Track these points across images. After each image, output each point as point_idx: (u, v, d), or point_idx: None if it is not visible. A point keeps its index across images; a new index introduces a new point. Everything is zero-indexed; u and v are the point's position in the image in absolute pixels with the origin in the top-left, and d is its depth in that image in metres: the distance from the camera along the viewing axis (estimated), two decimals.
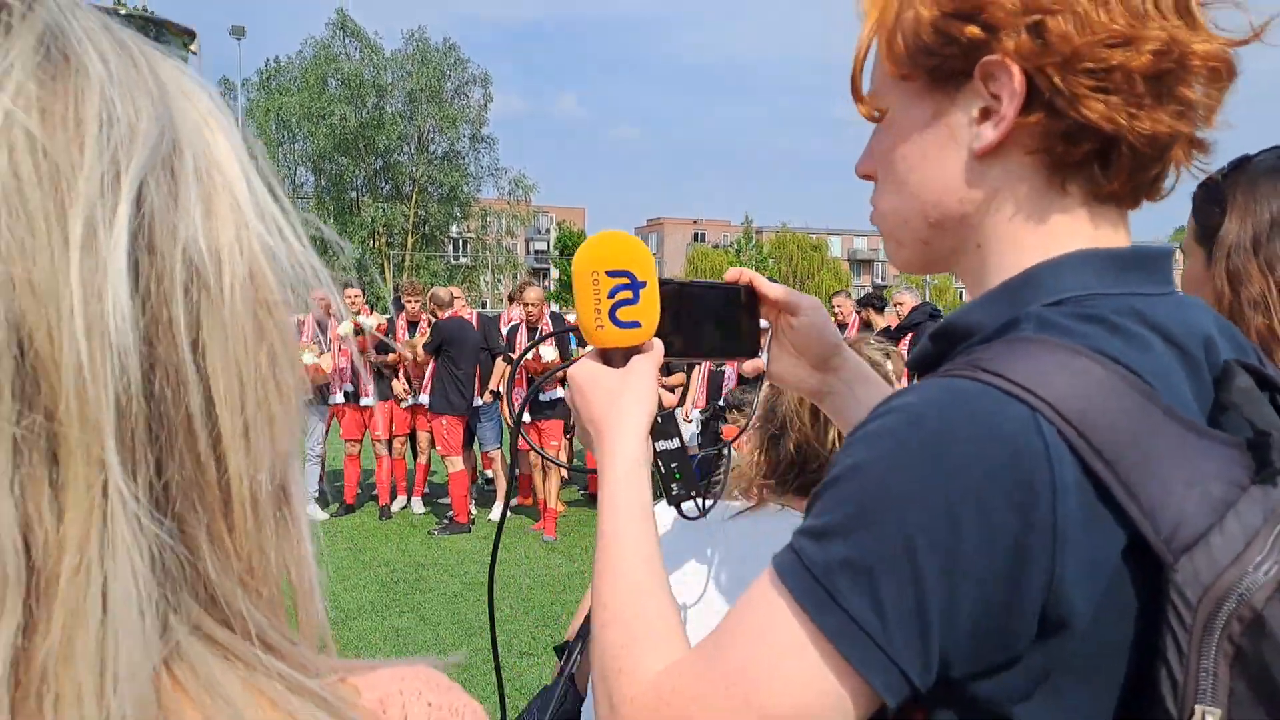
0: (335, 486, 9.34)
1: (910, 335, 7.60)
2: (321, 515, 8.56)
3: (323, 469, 8.86)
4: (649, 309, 0.96)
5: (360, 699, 0.48)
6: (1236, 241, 1.38)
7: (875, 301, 9.03)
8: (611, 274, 0.94)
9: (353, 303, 8.64)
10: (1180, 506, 0.62)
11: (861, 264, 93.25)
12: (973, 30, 0.72)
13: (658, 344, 0.97)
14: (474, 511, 8.40)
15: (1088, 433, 0.63)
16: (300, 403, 0.46)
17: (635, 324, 0.95)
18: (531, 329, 7.95)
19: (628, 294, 0.95)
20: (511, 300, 9.09)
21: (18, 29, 0.38)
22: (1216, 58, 0.71)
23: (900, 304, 8.30)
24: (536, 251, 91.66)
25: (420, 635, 5.67)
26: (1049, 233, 0.76)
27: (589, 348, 0.99)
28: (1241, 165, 1.39)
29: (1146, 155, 0.72)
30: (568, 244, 77.46)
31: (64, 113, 0.38)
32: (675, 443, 1.03)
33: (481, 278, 56.90)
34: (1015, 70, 0.71)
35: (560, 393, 7.91)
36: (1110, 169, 0.73)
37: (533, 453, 8.20)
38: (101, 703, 0.36)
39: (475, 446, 8.66)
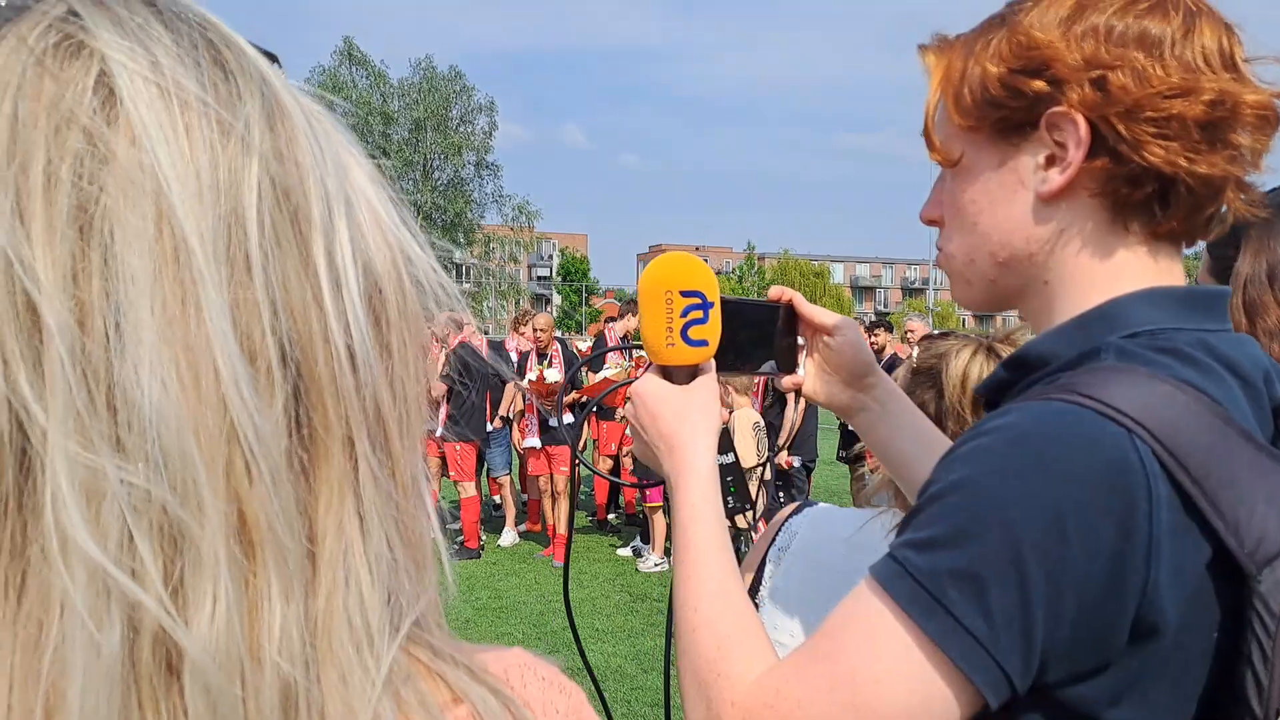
0: None
1: None
2: None
3: None
4: (715, 328, 1.00)
5: (490, 672, 0.51)
6: (1252, 274, 1.44)
7: (884, 325, 9.12)
8: (685, 294, 0.99)
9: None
10: (1262, 523, 0.67)
11: (864, 290, 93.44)
12: (1039, 85, 0.79)
13: (712, 362, 1.02)
14: (483, 537, 8.42)
15: (1177, 452, 0.68)
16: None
17: (704, 342, 1.00)
18: (541, 355, 8.00)
19: (699, 314, 0.99)
20: (516, 326, 9.09)
21: (244, 85, 0.42)
22: (1265, 106, 0.78)
23: (911, 330, 8.40)
24: (539, 277, 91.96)
25: None
26: (1114, 268, 0.82)
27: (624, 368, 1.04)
28: None
29: (1203, 195, 0.79)
30: (570, 270, 77.62)
31: (289, 154, 0.42)
32: (730, 457, 1.09)
33: (485, 303, 57.09)
34: (1081, 120, 0.78)
35: (568, 418, 7.94)
36: (1169, 209, 0.79)
37: (541, 479, 8.22)
38: (366, 671, 0.42)
39: (485, 472, 8.69)
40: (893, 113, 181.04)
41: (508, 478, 8.74)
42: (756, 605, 1.46)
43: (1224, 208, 0.82)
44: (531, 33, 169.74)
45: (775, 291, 1.15)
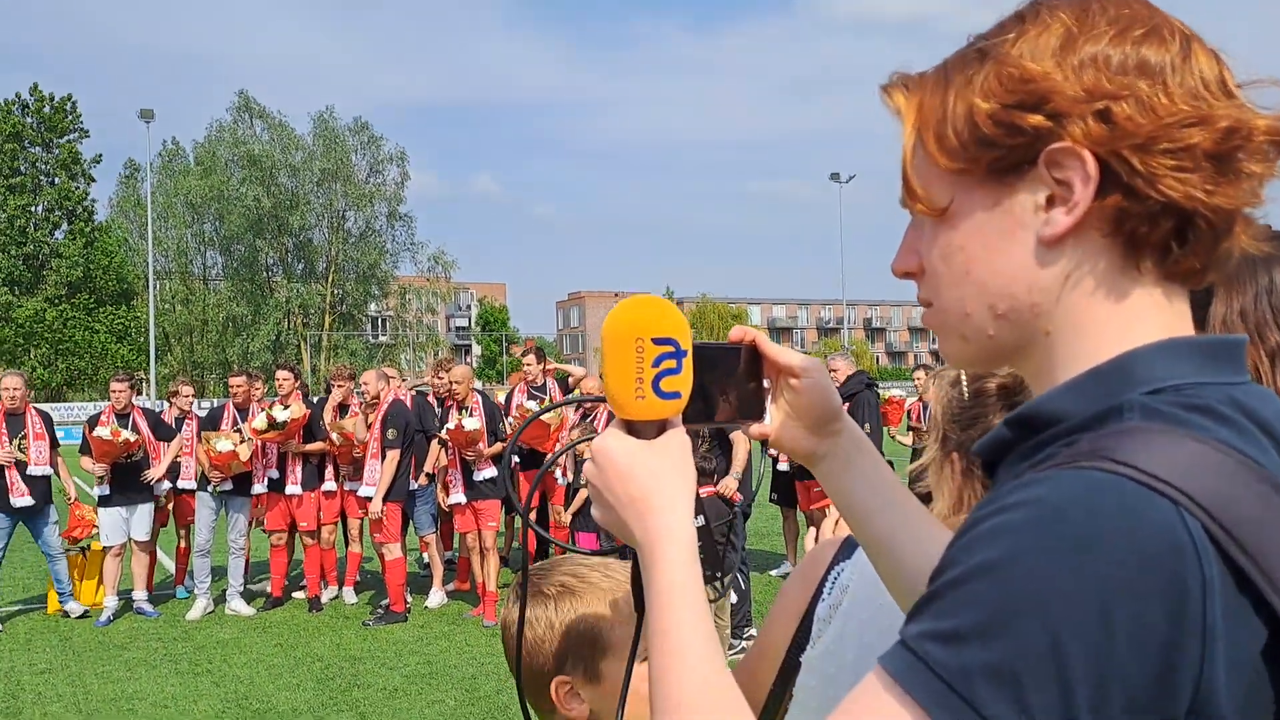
0: (259, 580, 8.95)
1: (847, 404, 7.65)
2: (248, 611, 8.18)
3: (247, 563, 8.49)
4: (688, 379, 0.92)
5: None
6: (1224, 318, 1.41)
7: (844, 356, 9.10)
8: (658, 341, 0.89)
9: (282, 384, 8.35)
10: None
11: (781, 331, 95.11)
12: (1038, 120, 0.73)
13: (679, 415, 0.93)
14: (409, 600, 8.12)
15: (1229, 524, 0.61)
16: None
17: (677, 394, 0.90)
18: (460, 406, 7.81)
19: (672, 363, 0.90)
20: (436, 372, 8.84)
21: None
22: (1277, 132, 0.72)
23: (834, 370, 8.38)
24: (458, 328, 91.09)
25: None
26: (1127, 315, 0.75)
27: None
28: None
29: (1221, 230, 0.73)
30: (489, 319, 77.11)
31: None
32: (700, 520, 1.00)
33: (403, 355, 56.21)
34: (1088, 156, 0.71)
35: (492, 471, 7.74)
36: (1187, 245, 0.73)
37: (469, 535, 7.97)
38: None
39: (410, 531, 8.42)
40: (798, 159, 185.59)
41: (433, 536, 8.48)
42: (799, 665, 1.36)
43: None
44: (438, 85, 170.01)
45: (737, 333, 1.05)
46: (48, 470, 8.05)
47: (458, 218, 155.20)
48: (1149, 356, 0.72)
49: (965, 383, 1.38)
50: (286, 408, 8.12)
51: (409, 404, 8.39)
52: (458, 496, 7.85)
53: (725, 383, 1.05)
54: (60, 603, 8.32)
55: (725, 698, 0.77)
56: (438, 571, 8.46)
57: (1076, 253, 0.75)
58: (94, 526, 8.47)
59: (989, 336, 0.80)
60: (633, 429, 0.92)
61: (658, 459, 0.90)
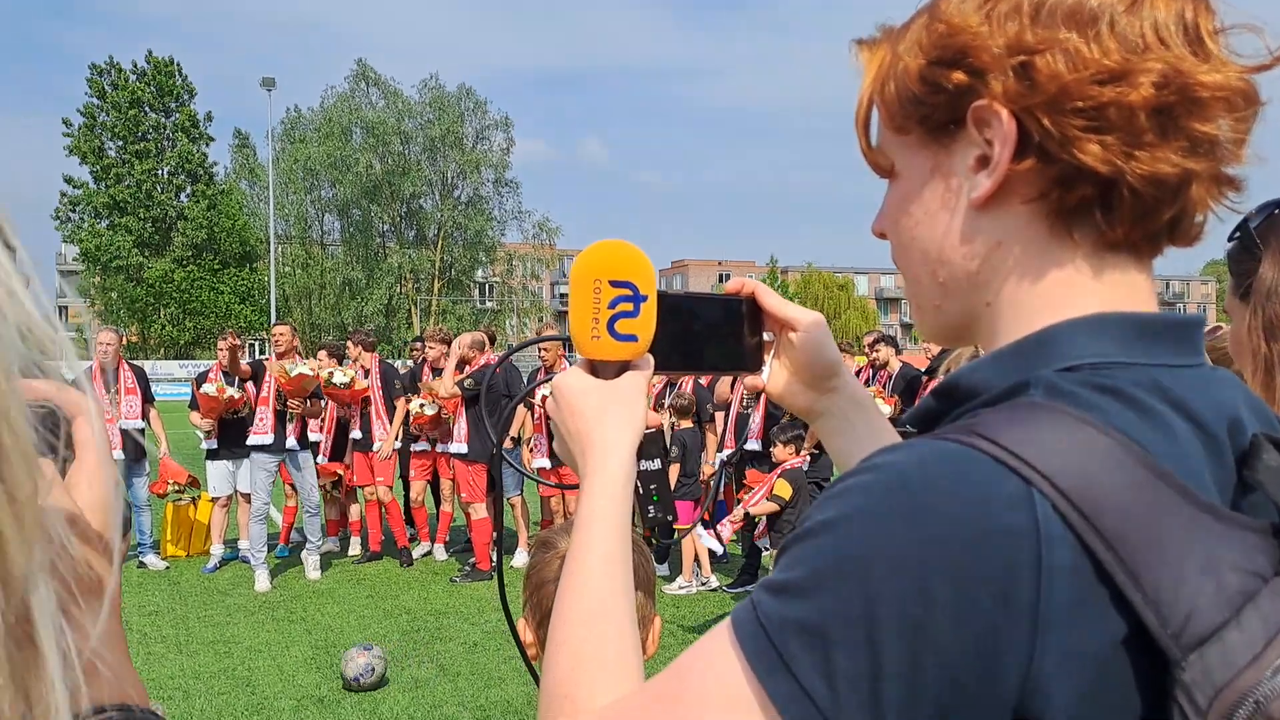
0: (342, 536, 9.30)
1: (932, 382, 7.48)
2: (315, 575, 8.26)
3: (323, 518, 8.75)
4: (647, 324, 0.93)
5: None
6: (1273, 286, 1.31)
7: (886, 340, 8.88)
8: (615, 284, 0.91)
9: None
10: (1192, 597, 0.56)
11: (889, 302, 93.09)
12: (959, 76, 0.69)
13: (649, 360, 0.94)
14: (495, 558, 8.31)
15: (1088, 510, 0.58)
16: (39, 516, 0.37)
17: (632, 337, 0.92)
18: (549, 372, 7.93)
19: (629, 305, 0.92)
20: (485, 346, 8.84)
21: None
22: (1226, 88, 0.65)
23: (929, 345, 8.19)
24: (562, 295, 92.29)
25: (439, 686, 5.58)
26: (1059, 287, 0.71)
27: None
28: (1273, 211, 1.32)
29: (1152, 197, 0.67)
30: None
31: None
32: (657, 463, 1.00)
33: (508, 321, 57.28)
34: (1004, 114, 0.67)
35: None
36: (1113, 214, 0.68)
37: (553, 500, 8.13)
38: None
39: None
40: None
41: (520, 499, 8.65)
42: None
43: (1195, 209, 0.70)
44: (547, 51, 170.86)
45: (734, 284, 1.05)
46: (139, 424, 8.29)
47: (563, 184, 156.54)
48: (1070, 332, 0.69)
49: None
50: (337, 369, 8.44)
51: (499, 369, 8.54)
52: (542, 461, 8.02)
53: (721, 334, 1.05)
54: (139, 554, 8.61)
55: (606, 625, 0.79)
56: (523, 533, 8.64)
57: (1005, 219, 0.72)
58: (182, 481, 8.83)
59: (936, 307, 0.78)
60: (594, 369, 0.94)
61: (605, 396, 0.91)
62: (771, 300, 1.04)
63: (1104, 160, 0.65)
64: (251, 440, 8.03)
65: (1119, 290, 0.71)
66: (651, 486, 1.00)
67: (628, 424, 0.90)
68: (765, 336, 1.08)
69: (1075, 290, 0.70)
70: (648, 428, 0.93)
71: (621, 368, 0.93)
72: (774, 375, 1.07)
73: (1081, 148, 0.65)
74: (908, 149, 0.76)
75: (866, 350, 8.96)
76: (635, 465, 0.91)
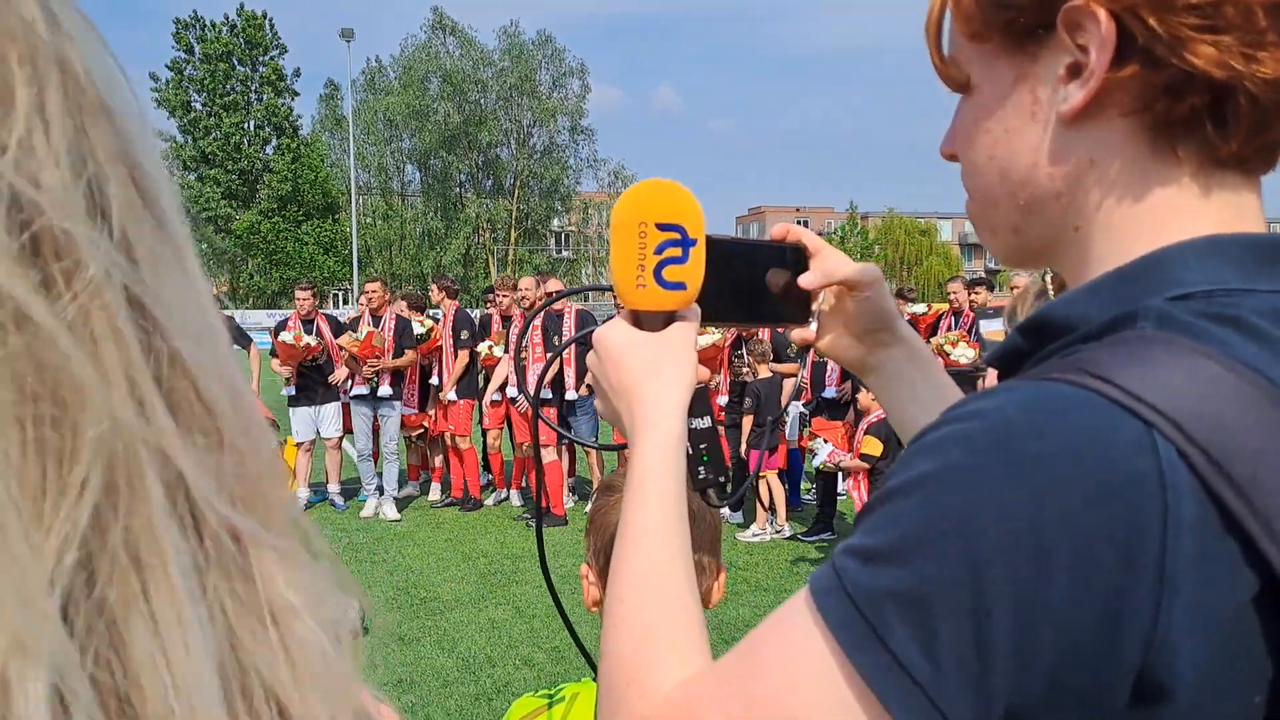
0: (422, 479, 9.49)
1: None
2: (394, 515, 8.47)
3: (403, 463, 8.93)
4: (696, 270, 0.86)
5: None
6: None
7: (985, 282, 8.65)
8: (662, 227, 0.84)
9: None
10: None
11: (973, 248, 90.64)
12: None
13: (696, 310, 0.88)
14: (571, 504, 8.41)
15: (1217, 455, 0.51)
16: None
17: (681, 285, 0.85)
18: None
19: (677, 251, 0.84)
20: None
21: None
22: None
23: (1015, 288, 7.91)
24: None
25: (515, 627, 5.68)
26: (1159, 208, 0.64)
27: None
28: None
29: (1275, 105, 0.59)
30: None
31: None
32: (707, 421, 0.93)
33: (583, 271, 57.38)
34: (1103, 14, 0.60)
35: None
36: (1227, 127, 0.60)
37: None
38: None
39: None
40: None
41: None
42: None
43: None
44: None
45: (779, 230, 0.99)
46: None
47: (638, 133, 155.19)
48: (1182, 256, 0.61)
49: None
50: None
51: (572, 316, 8.55)
52: None
53: (764, 283, 0.98)
54: None
55: (668, 592, 0.74)
56: (597, 478, 8.70)
57: (1099, 134, 0.64)
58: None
59: (1014, 230, 0.71)
60: (638, 320, 0.88)
61: (655, 350, 0.85)
62: (820, 249, 0.98)
63: (1220, 64, 0.58)
64: (354, 391, 8.48)
65: (1228, 211, 0.63)
66: (702, 446, 0.93)
67: (678, 380, 0.84)
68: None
69: (1181, 212, 0.63)
70: (698, 383, 0.88)
71: (667, 319, 0.87)
72: (824, 327, 1.01)
73: (1194, 50, 0.58)
74: (986, 58, 0.69)
75: (950, 296, 8.75)
76: (687, 424, 0.85)
